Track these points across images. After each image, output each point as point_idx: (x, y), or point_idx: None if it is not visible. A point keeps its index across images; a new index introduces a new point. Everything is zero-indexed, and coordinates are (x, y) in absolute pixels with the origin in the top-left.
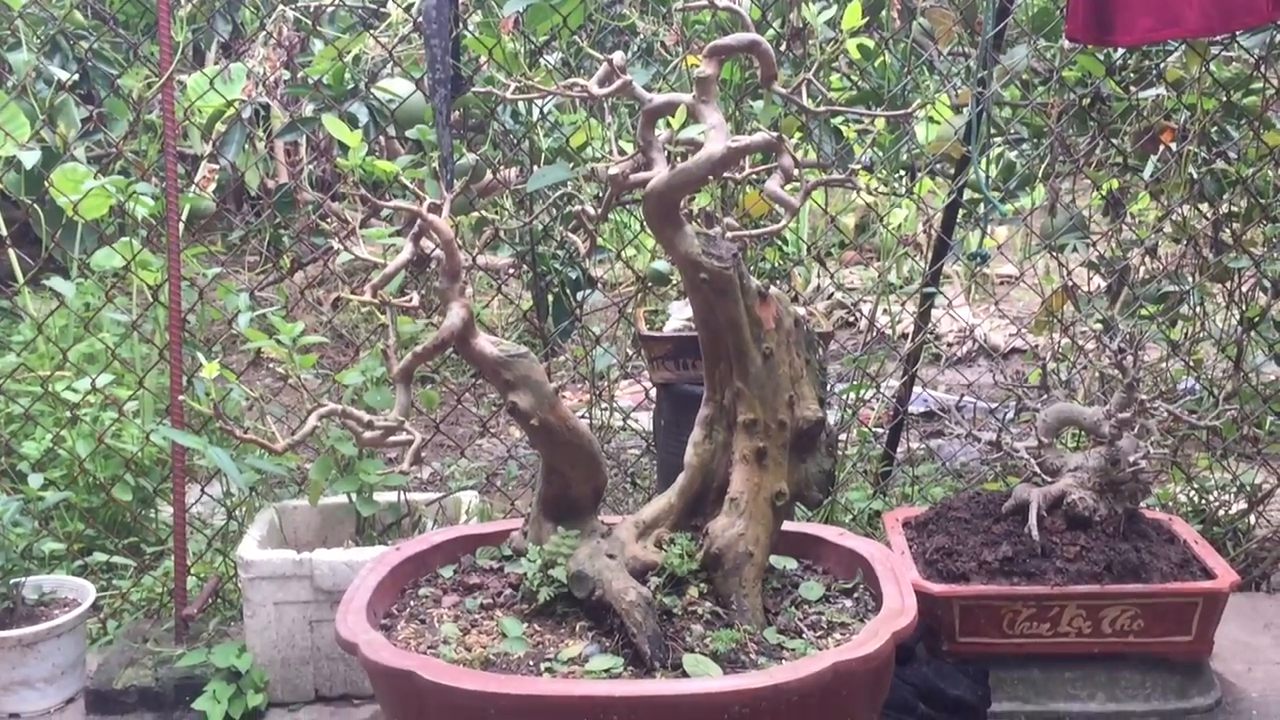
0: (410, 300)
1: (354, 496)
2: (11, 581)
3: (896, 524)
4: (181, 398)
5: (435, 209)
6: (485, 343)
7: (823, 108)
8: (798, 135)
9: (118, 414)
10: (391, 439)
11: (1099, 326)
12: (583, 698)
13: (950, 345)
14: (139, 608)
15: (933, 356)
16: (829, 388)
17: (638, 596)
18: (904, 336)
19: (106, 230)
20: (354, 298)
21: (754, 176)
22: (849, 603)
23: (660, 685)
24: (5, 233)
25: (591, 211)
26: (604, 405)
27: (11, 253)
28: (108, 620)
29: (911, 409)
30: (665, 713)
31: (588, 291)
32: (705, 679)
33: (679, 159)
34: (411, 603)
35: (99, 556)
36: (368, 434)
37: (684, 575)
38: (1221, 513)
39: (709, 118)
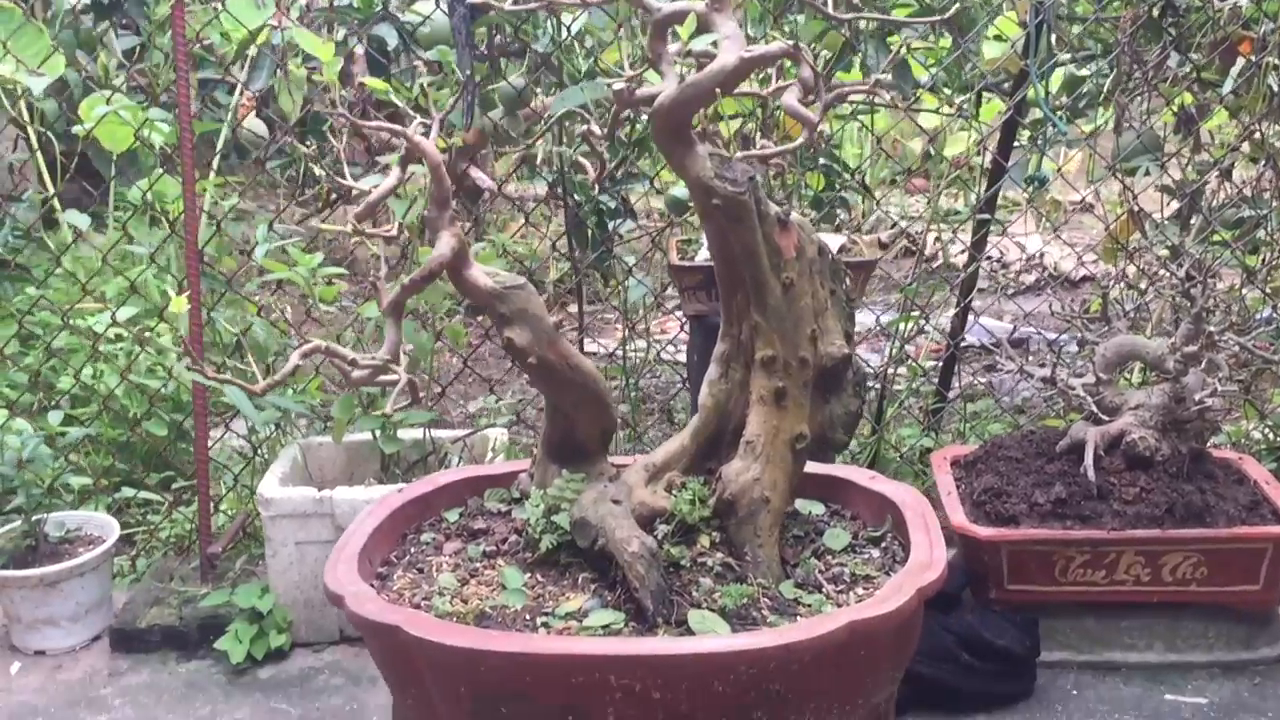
0: (389, 230)
1: (377, 434)
2: (34, 518)
3: (944, 463)
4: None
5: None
6: (479, 273)
7: (850, 15)
8: (843, 52)
9: (142, 348)
10: (380, 378)
11: (1166, 253)
12: (577, 656)
13: (1018, 274)
14: (169, 545)
15: (996, 286)
16: (856, 320)
17: (641, 547)
18: (955, 267)
19: (148, 162)
20: (326, 228)
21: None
22: (876, 553)
23: (659, 644)
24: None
25: (598, 131)
26: (639, 339)
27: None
28: (138, 557)
29: (970, 340)
30: (664, 673)
31: (620, 220)
32: (710, 637)
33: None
34: (412, 549)
35: (129, 492)
36: (355, 373)
37: (695, 523)
38: None
39: (722, 27)
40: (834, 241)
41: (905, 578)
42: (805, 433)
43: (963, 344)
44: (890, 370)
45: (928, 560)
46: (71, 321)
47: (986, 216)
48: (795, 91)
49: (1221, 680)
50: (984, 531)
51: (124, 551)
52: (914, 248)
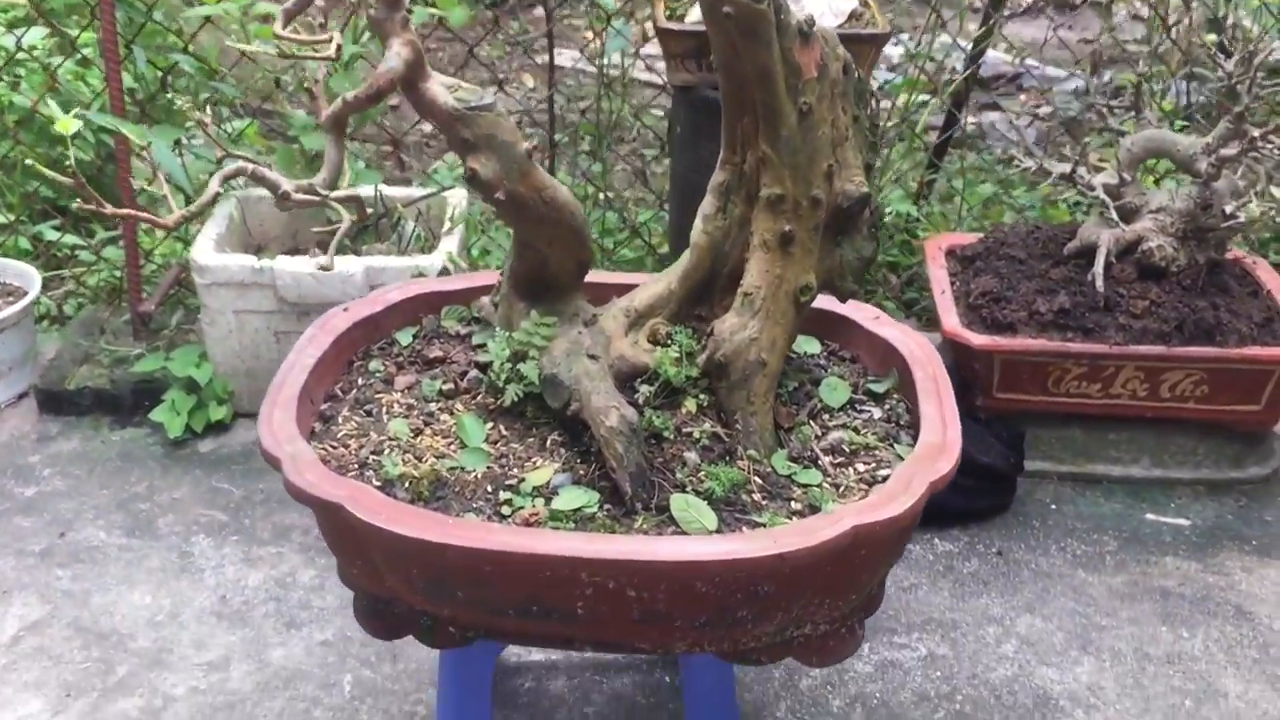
0: (329, 40)
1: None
2: None
3: (939, 253)
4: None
5: None
6: (438, 89)
7: None
8: None
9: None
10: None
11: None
12: (542, 556)
13: None
14: (98, 292)
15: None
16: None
17: (620, 421)
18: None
19: None
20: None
21: None
22: (877, 413)
23: (636, 546)
24: None
25: None
26: (615, 96)
27: None
28: (65, 301)
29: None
30: (642, 575)
31: None
32: (696, 540)
33: None
34: (359, 380)
35: (52, 234)
36: (287, 201)
37: (681, 385)
38: None
39: None
40: (846, 5)
41: (915, 467)
42: (812, 283)
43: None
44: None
45: (940, 443)
46: None
47: None
48: None
49: (1206, 500)
50: (977, 339)
51: (50, 289)
52: None
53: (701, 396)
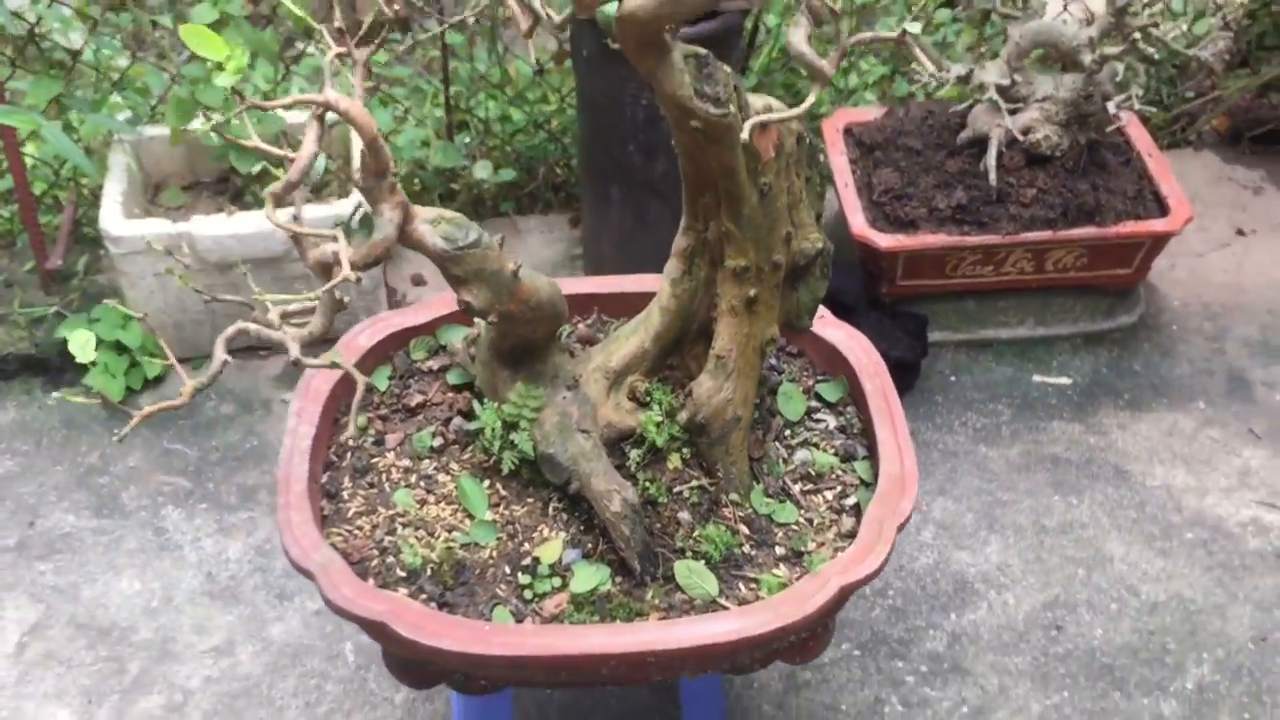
0: (335, 235)
1: (229, 151)
2: None
3: (838, 137)
4: None
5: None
6: (426, 229)
7: None
8: None
9: None
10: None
11: None
12: (576, 655)
13: None
14: None
15: None
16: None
17: (623, 505)
18: None
19: None
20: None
21: None
22: (833, 422)
23: (658, 633)
24: None
25: None
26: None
27: None
28: None
29: None
30: (663, 659)
31: None
32: (709, 620)
33: None
34: (350, 442)
35: None
36: (300, 366)
37: (664, 445)
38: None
39: None
40: None
41: (881, 508)
42: (776, 335)
43: None
44: None
45: (899, 474)
46: None
47: None
48: (804, 25)
49: (1083, 354)
50: (884, 241)
51: None
52: None
53: (684, 450)
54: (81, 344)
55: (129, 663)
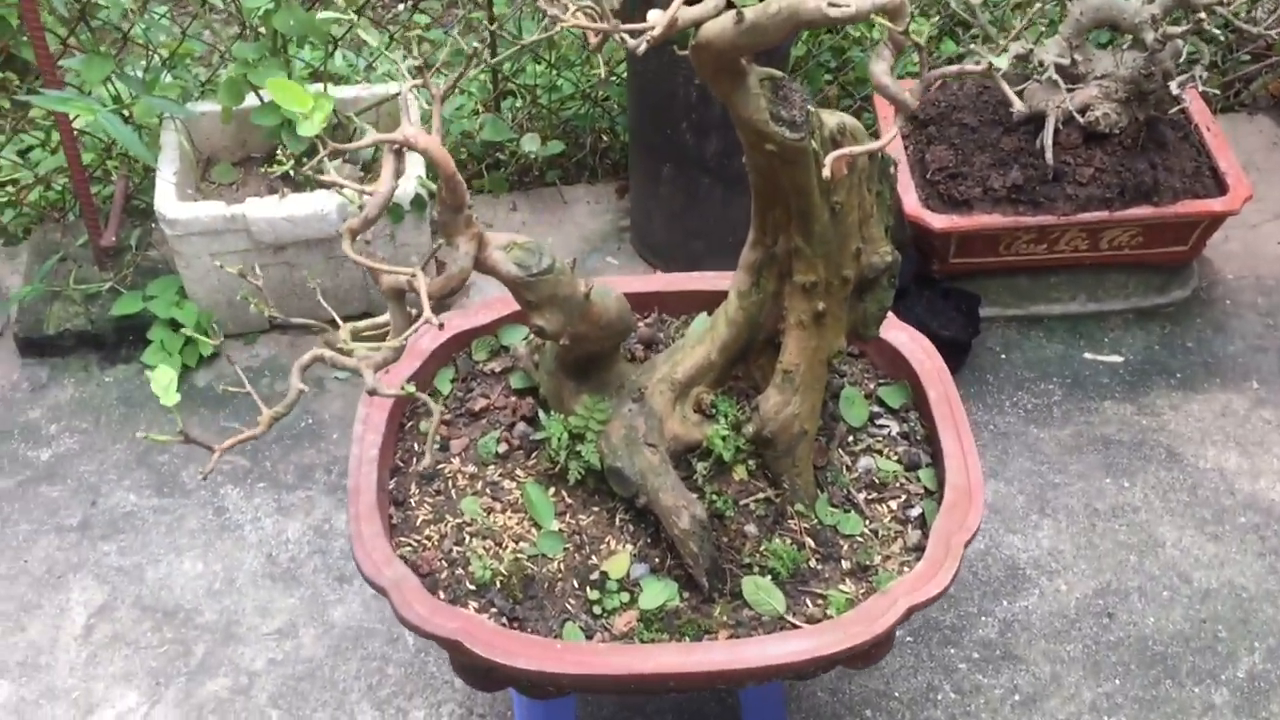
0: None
1: (280, 130)
2: None
3: (890, 110)
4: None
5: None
6: (499, 256)
7: None
8: None
9: None
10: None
11: None
12: (646, 675)
13: None
14: (41, 210)
15: None
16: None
17: (691, 523)
18: None
19: None
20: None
21: None
22: (895, 428)
23: (726, 654)
24: None
25: None
26: None
27: None
28: (3, 208)
29: None
30: (730, 678)
31: None
32: (779, 639)
33: None
34: (416, 446)
35: None
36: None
37: (730, 458)
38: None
39: None
40: None
41: (949, 522)
42: (843, 347)
43: None
44: None
45: (966, 486)
46: None
47: None
48: (886, 57)
49: (1135, 330)
50: (938, 222)
51: None
52: None
53: (750, 462)
54: (164, 386)
55: (194, 645)
